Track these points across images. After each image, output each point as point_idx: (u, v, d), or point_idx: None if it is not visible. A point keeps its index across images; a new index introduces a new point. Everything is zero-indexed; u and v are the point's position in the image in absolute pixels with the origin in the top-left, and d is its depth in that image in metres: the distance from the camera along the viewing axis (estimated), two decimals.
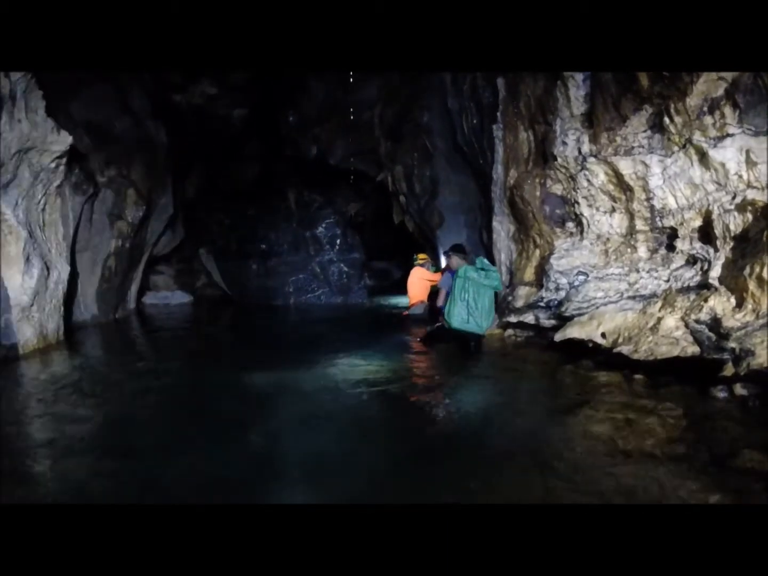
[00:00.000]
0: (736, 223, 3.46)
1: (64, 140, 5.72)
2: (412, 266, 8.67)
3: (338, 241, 12.16)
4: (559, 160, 5.14)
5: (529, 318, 5.22)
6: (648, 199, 4.31)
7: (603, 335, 4.08)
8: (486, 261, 5.35)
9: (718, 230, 3.60)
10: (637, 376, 3.65)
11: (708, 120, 3.71)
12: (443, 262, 7.79)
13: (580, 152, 4.92)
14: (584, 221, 5.02)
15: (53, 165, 5.75)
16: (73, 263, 6.85)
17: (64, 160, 5.89)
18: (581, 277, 4.84)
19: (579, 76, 5.01)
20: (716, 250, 3.65)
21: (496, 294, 5.55)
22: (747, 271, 3.20)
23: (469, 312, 5.12)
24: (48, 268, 5.78)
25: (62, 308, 6.22)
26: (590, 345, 4.18)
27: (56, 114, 5.79)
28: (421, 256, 8.67)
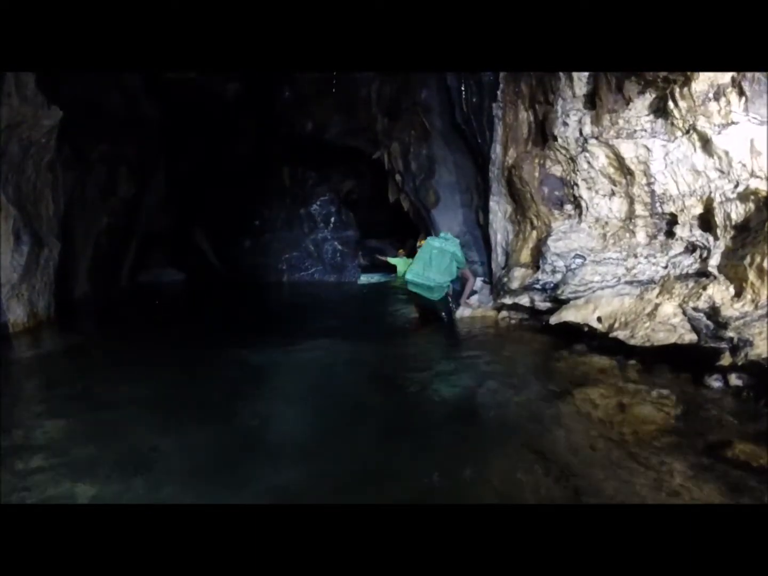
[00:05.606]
0: (738, 212, 3.45)
1: (54, 115, 5.60)
2: (405, 246, 8.65)
3: (333, 219, 12.06)
4: (559, 140, 5.07)
5: (524, 300, 5.21)
6: (649, 184, 4.27)
7: (599, 319, 4.08)
8: (450, 234, 5.93)
9: (718, 218, 3.59)
10: (632, 362, 3.67)
11: (713, 107, 3.65)
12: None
13: (581, 133, 4.85)
14: (583, 204, 4.98)
15: (44, 140, 5.63)
16: (64, 240, 6.75)
17: (54, 135, 5.77)
18: (578, 260, 4.82)
19: None
20: (716, 238, 3.64)
21: (491, 277, 5.53)
22: (747, 260, 3.19)
23: (424, 267, 5.47)
24: (38, 245, 5.71)
25: (53, 286, 6.16)
26: (585, 329, 4.19)
27: (47, 88, 5.63)
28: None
